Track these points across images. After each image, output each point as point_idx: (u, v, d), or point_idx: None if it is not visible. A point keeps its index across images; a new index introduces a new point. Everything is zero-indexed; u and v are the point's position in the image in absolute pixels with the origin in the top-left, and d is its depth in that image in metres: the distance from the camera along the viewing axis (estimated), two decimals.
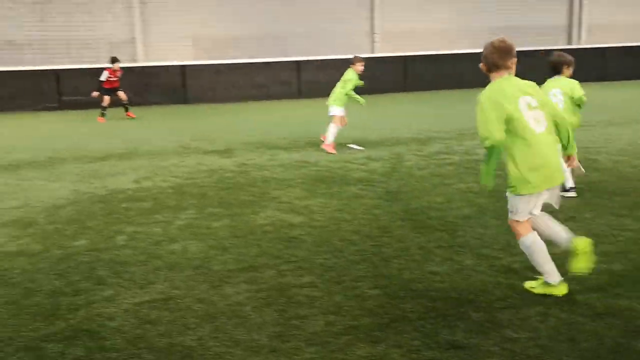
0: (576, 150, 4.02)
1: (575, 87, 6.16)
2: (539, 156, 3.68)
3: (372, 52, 21.55)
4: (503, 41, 3.79)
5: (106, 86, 15.65)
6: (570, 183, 6.31)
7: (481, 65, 3.86)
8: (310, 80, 20.30)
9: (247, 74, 19.87)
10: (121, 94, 15.92)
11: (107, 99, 15.65)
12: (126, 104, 16.04)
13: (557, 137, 3.86)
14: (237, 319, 3.74)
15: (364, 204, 6.40)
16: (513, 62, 3.79)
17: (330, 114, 9.88)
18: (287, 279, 4.37)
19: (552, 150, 3.77)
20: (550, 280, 3.83)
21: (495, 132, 3.61)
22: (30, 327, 3.73)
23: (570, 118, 5.74)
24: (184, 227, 5.80)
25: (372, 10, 21.86)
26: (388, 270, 4.46)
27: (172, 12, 20.14)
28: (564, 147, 3.93)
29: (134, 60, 19.76)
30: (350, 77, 9.71)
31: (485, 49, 3.82)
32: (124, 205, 6.71)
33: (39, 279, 4.53)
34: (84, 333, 3.63)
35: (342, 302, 3.92)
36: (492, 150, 3.67)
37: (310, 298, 4.01)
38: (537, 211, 3.82)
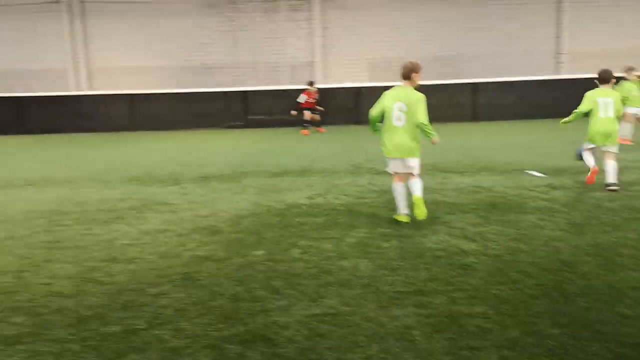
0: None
1: None
2: None
3: (557, 73, 20.32)
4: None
5: (305, 106, 17.78)
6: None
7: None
8: (486, 102, 19.69)
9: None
10: (314, 116, 17.85)
11: (307, 113, 17.74)
12: (316, 124, 17.98)
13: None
14: (406, 342, 3.69)
15: (544, 235, 6.00)
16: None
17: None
18: (459, 307, 4.22)
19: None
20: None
21: None
22: (213, 327, 4.03)
23: None
24: (355, 244, 5.89)
25: (558, 29, 20.65)
26: (570, 309, 4.11)
27: (350, 37, 20.87)
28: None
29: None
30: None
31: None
32: (298, 219, 7.01)
33: (223, 284, 4.89)
34: (260, 338, 3.83)
35: (517, 338, 3.69)
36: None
37: (482, 329, 3.83)
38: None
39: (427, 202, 7.73)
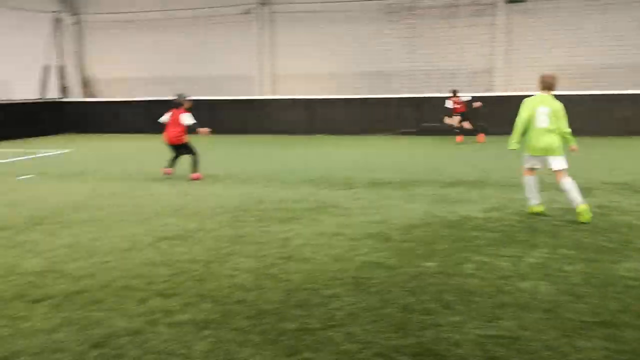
0: None
1: None
2: None
3: None
4: None
5: (456, 112, 17.29)
6: None
7: None
8: None
9: (609, 107, 18.12)
10: (466, 124, 17.03)
11: (456, 119, 17.19)
12: (470, 133, 17.17)
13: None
14: None
15: None
16: None
17: None
18: None
19: None
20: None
21: None
22: (384, 335, 4.04)
23: None
24: (535, 265, 5.54)
25: None
26: None
27: (535, 41, 19.76)
28: None
29: (490, 90, 20.01)
30: None
31: None
32: (472, 233, 6.77)
33: (393, 292, 4.88)
34: (431, 353, 3.75)
35: None
36: None
37: None
38: None
39: (618, 225, 7.03)
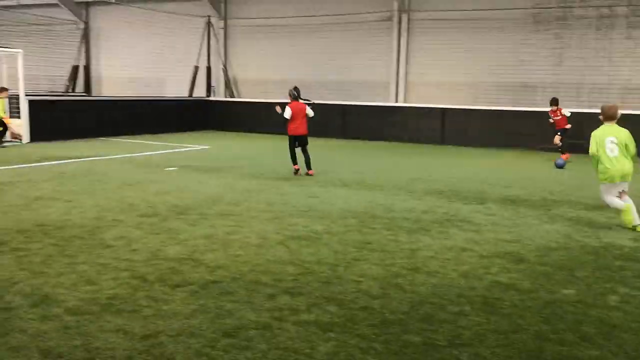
0: None
1: None
2: None
3: None
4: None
5: (557, 127, 15.87)
6: None
7: None
8: None
9: None
10: (556, 138, 15.69)
11: (556, 138, 15.75)
12: (559, 149, 15.74)
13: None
14: None
15: None
16: None
17: None
18: None
19: None
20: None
21: None
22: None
23: None
24: None
25: None
26: None
27: None
28: None
29: None
30: None
31: None
32: (618, 262, 6.25)
33: (526, 317, 4.63)
34: None
35: None
36: None
37: None
38: None
39: None
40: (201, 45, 25.79)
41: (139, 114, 21.57)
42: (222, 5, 25.95)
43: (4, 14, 30.07)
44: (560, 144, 15.80)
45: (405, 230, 7.53)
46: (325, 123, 22.10)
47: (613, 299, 5.08)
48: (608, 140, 7.86)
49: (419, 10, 22.02)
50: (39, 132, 17.68)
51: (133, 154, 15.39)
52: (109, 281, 5.28)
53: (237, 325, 4.34)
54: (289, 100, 12.39)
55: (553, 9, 19.81)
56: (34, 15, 28.74)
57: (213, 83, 26.38)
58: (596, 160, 8.00)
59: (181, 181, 11.13)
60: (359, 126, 21.59)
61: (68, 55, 29.07)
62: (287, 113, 12.10)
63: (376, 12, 22.62)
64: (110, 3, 26.26)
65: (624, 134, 7.85)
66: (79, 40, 29.47)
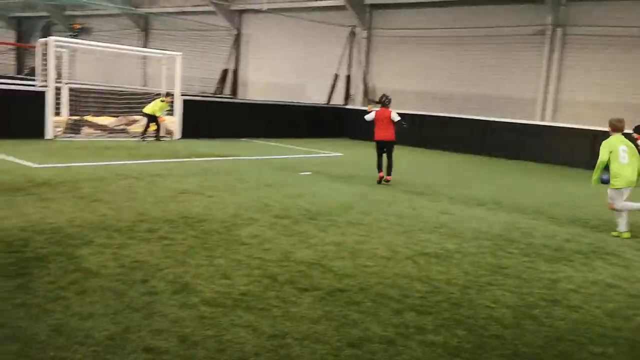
0: None
1: None
2: None
3: None
4: None
5: None
6: None
7: None
8: None
9: None
10: None
11: None
12: None
13: None
14: None
15: None
16: None
17: None
18: None
19: None
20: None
21: None
22: None
23: None
24: None
25: None
26: None
27: None
28: None
29: None
30: None
31: None
32: None
33: None
34: None
35: None
36: None
37: None
38: None
39: None
40: (343, 53, 26.28)
41: (278, 118, 22.45)
42: (367, 15, 26.25)
43: (166, 20, 32.83)
44: None
45: (545, 258, 7.08)
46: (463, 138, 21.56)
47: None
48: (621, 149, 8.58)
49: (575, 25, 20.72)
50: (189, 130, 19.02)
51: (270, 157, 16.02)
52: (242, 277, 5.51)
53: (361, 337, 4.32)
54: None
55: None
56: (193, 21, 31.05)
57: (352, 92, 26.76)
58: (600, 169, 8.67)
59: (314, 186, 11.38)
60: (500, 143, 20.74)
61: (220, 60, 31.04)
62: (370, 116, 12.32)
63: (528, 26, 21.65)
64: (261, 11, 27.59)
65: (630, 144, 8.75)
66: (230, 45, 31.32)
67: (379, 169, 12.36)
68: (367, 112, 12.66)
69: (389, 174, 12.28)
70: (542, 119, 21.27)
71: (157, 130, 17.87)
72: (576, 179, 16.07)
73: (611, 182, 8.62)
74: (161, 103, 17.55)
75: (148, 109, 17.49)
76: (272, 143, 19.10)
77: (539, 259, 7.01)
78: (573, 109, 20.84)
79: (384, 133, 12.29)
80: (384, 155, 12.35)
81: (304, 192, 10.52)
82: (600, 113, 19.99)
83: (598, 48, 20.22)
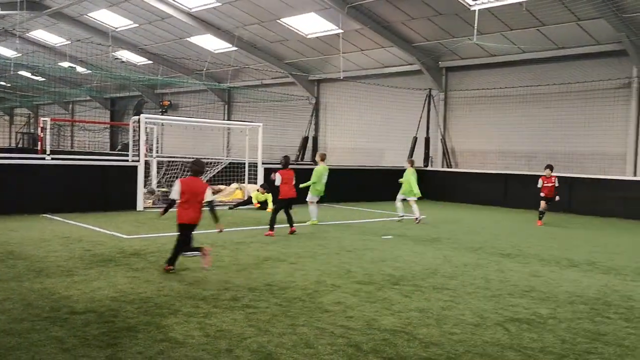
0: None
1: None
2: None
3: None
4: None
5: (543, 192, 16.27)
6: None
7: None
8: None
9: None
10: (542, 204, 16.17)
11: (542, 204, 16.23)
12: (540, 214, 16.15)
13: None
14: None
15: None
16: None
17: None
18: None
19: None
20: None
21: None
22: None
23: None
24: None
25: None
26: None
27: None
28: None
29: None
30: None
31: None
32: None
33: None
34: None
35: None
36: None
37: None
38: None
39: None
40: (421, 116, 26.38)
41: (358, 182, 22.56)
42: (443, 78, 26.39)
43: (247, 92, 34.41)
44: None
45: None
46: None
47: None
48: None
49: None
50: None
51: (352, 221, 16.04)
52: (326, 346, 5.45)
53: None
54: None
55: None
56: (273, 92, 32.37)
57: (431, 153, 26.64)
58: None
59: (397, 250, 11.23)
60: (589, 200, 19.81)
61: (300, 128, 31.96)
62: (278, 180, 12.99)
63: (612, 80, 20.97)
64: (339, 80, 28.39)
65: None
66: (310, 113, 32.26)
67: (274, 224, 12.67)
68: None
69: (292, 225, 13.04)
70: (635, 174, 20.19)
71: (244, 203, 18.36)
72: None
73: None
74: (256, 192, 18.24)
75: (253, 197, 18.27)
76: (353, 207, 19.14)
77: None
78: None
79: (292, 191, 13.12)
80: (285, 210, 13.07)
81: (387, 257, 10.40)
82: None
83: None
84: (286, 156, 13.74)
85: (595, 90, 21.44)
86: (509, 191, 22.13)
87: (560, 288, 8.26)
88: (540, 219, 16.46)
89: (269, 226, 12.71)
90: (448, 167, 25.77)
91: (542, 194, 16.48)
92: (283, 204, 13.15)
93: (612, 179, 19.74)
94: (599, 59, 21.27)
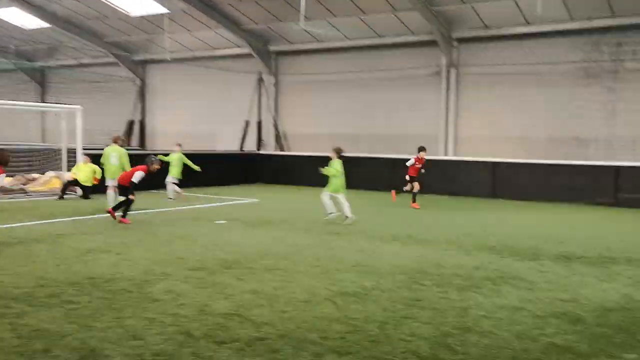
0: None
1: None
2: None
3: None
4: None
5: (411, 173, 16.34)
6: None
7: None
8: None
9: None
10: (416, 184, 16.29)
11: (416, 185, 16.35)
12: (414, 194, 16.37)
13: None
14: None
15: None
16: None
17: None
18: None
19: None
20: None
21: None
22: None
23: None
24: None
25: None
26: None
27: None
28: None
29: None
30: None
31: None
32: None
33: None
34: None
35: None
36: None
37: None
38: None
39: None
40: (252, 100, 26.50)
41: (190, 168, 22.07)
42: (273, 61, 26.72)
43: (65, 72, 31.82)
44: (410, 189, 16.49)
45: (456, 287, 7.31)
46: (374, 176, 22.13)
47: None
48: None
49: (467, 65, 22.08)
50: (93, 185, 18.27)
51: (183, 207, 15.68)
52: (155, 336, 5.28)
53: None
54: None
55: (605, 63, 19.53)
56: (93, 73, 30.29)
57: (263, 137, 26.92)
58: None
59: (230, 234, 11.22)
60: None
61: (124, 111, 30.33)
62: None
63: (424, 68, 22.81)
64: (166, 61, 27.41)
65: None
66: (135, 96, 30.75)
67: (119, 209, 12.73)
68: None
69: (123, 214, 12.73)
70: (446, 154, 22.27)
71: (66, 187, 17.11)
72: (480, 208, 16.85)
73: None
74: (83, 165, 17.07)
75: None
76: (184, 193, 18.69)
77: (451, 288, 7.23)
78: (473, 143, 21.98)
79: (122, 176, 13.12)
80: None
81: (220, 242, 10.34)
82: (498, 146, 21.25)
83: (491, 85, 21.60)
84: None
85: (412, 77, 23.16)
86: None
87: (382, 261, 8.86)
88: (414, 201, 16.40)
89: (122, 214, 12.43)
90: (281, 151, 26.24)
91: (408, 176, 16.34)
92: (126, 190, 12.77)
93: (430, 159, 21.53)
94: (414, 48, 23.00)
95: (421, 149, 16.56)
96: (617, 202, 17.88)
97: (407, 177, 16.47)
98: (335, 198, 13.49)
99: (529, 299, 6.82)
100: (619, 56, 19.35)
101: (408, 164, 16.49)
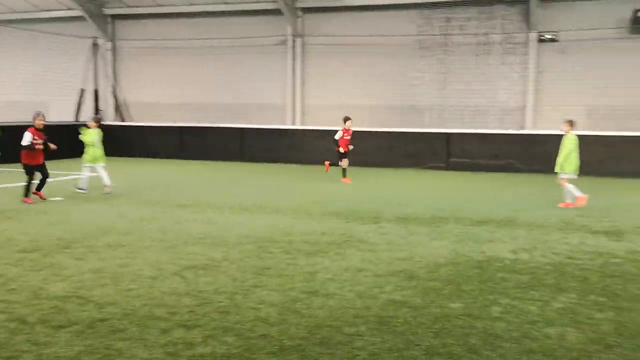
0: None
1: None
2: None
3: None
4: None
5: (342, 146, 15.58)
6: None
7: None
8: None
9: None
10: (345, 161, 15.72)
11: (344, 161, 15.75)
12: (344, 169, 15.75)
13: None
14: None
15: None
16: None
17: None
18: None
19: None
20: None
21: None
22: None
23: None
24: (562, 311, 5.40)
25: None
26: None
27: (566, 81, 19.59)
28: None
29: (522, 128, 19.84)
30: None
31: None
32: (500, 274, 6.65)
33: (418, 333, 4.80)
34: None
35: None
36: None
37: None
38: None
39: None
40: (87, 67, 24.76)
41: (17, 140, 20.21)
42: (110, 26, 25.10)
43: None
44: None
45: (304, 253, 7.57)
46: (222, 146, 21.96)
47: (496, 310, 5.39)
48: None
49: (312, 35, 22.48)
50: None
51: (12, 184, 14.38)
52: None
53: None
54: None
55: (436, 36, 20.97)
56: None
57: (101, 107, 25.34)
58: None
59: (67, 211, 10.54)
60: (257, 149, 21.61)
61: None
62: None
63: (271, 37, 22.84)
64: None
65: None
66: None
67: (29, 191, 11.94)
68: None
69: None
70: (293, 124, 22.67)
71: None
72: (327, 176, 17.48)
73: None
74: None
75: None
76: (12, 168, 17.13)
77: (299, 254, 7.48)
78: (319, 112, 22.59)
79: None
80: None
81: (56, 220, 9.68)
82: (343, 114, 22.03)
83: (334, 56, 22.23)
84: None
85: (260, 46, 23.06)
86: (184, 144, 22.62)
87: (232, 232, 8.89)
88: (344, 176, 15.80)
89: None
90: (122, 121, 24.93)
91: (341, 150, 15.56)
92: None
93: (279, 129, 21.82)
94: (261, 16, 22.86)
95: (346, 119, 15.71)
96: (448, 166, 19.55)
97: (341, 151, 15.59)
98: (94, 169, 13.62)
99: (370, 259, 7.27)
100: (448, 30, 20.88)
101: (336, 137, 15.54)
